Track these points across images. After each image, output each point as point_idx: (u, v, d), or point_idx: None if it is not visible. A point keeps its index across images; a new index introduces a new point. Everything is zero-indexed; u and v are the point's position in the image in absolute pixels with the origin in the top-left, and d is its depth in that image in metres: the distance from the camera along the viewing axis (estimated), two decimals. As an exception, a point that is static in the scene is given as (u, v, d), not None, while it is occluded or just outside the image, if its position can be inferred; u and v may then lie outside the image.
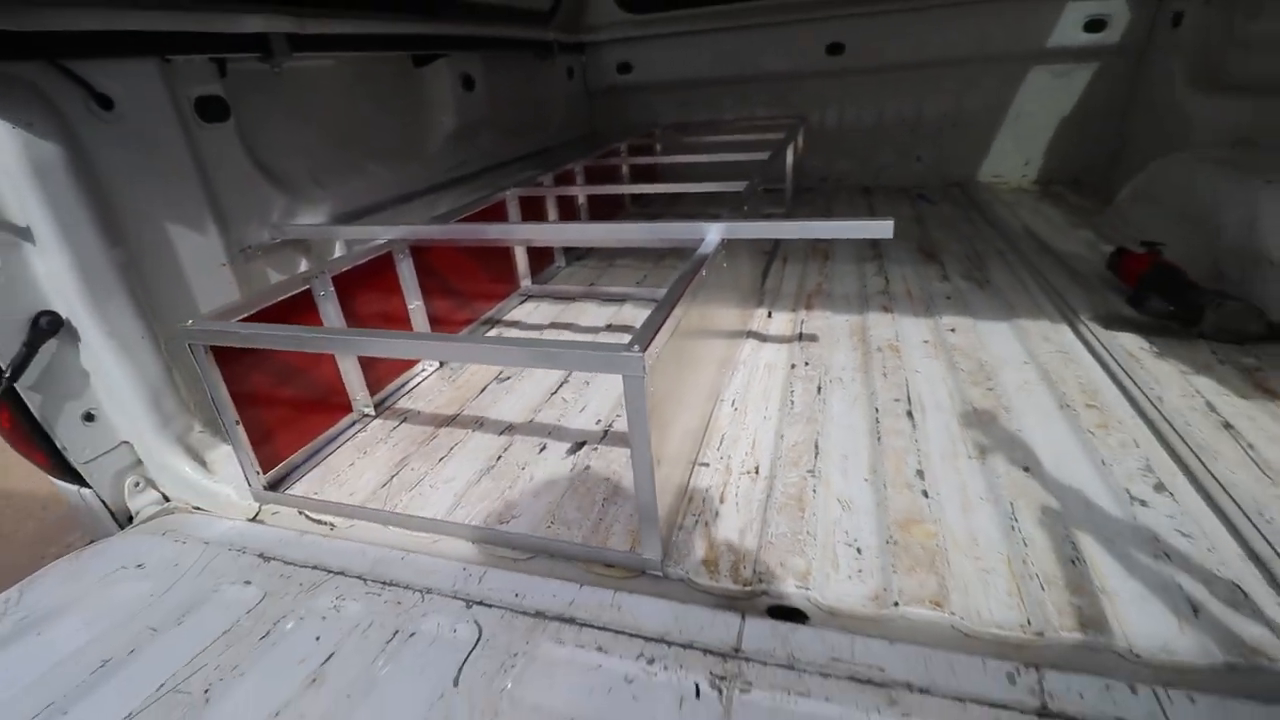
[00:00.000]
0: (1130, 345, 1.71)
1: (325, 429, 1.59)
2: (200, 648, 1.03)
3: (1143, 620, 0.95)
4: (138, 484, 1.46)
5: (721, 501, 1.26)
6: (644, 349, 0.95)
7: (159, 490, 1.48)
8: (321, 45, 1.95)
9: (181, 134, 1.54)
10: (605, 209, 3.38)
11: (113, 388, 1.39)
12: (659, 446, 1.05)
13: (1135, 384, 1.52)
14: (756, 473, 1.34)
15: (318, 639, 1.02)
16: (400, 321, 1.86)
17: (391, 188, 2.33)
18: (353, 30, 2.07)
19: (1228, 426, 1.36)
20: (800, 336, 1.95)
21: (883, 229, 1.36)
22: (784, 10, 3.64)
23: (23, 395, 1.27)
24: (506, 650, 0.97)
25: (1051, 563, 1.06)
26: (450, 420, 1.65)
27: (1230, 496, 1.15)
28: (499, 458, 1.47)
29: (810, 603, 1.03)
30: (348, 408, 1.66)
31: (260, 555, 1.23)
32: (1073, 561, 1.06)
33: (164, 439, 1.44)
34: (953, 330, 1.90)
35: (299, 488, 1.43)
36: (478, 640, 0.99)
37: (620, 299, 2.38)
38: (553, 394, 1.73)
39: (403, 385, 1.84)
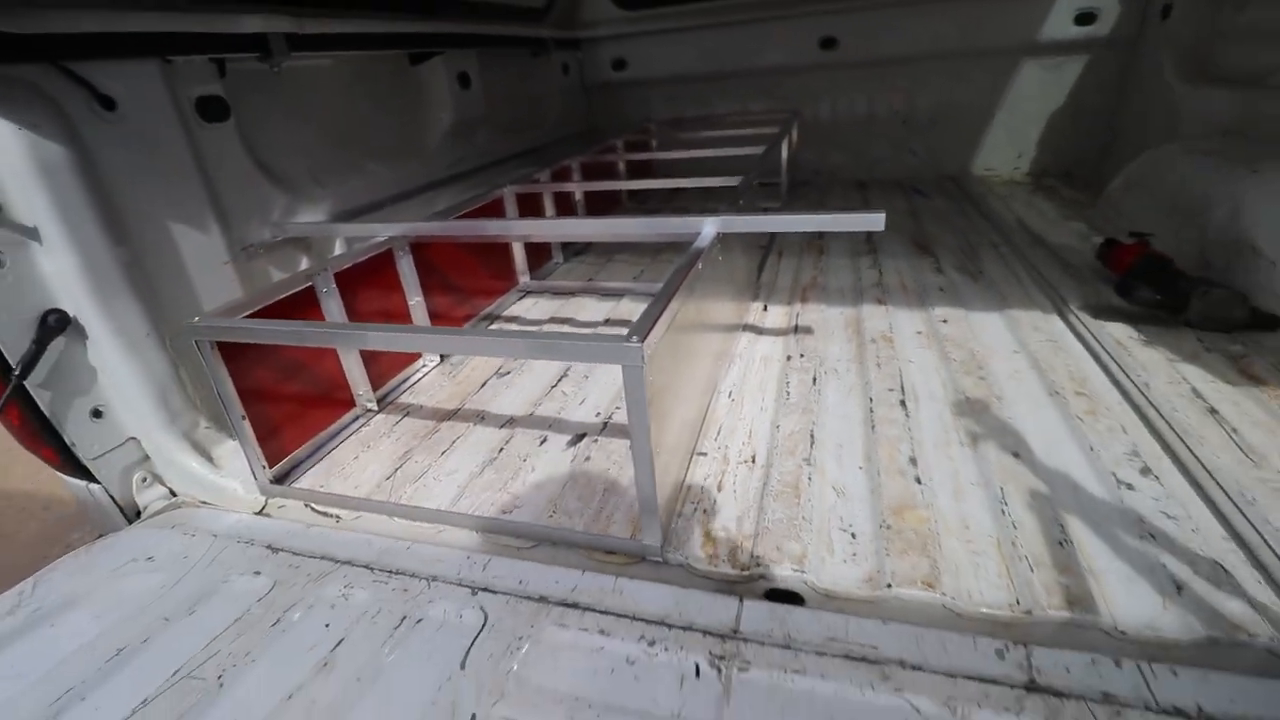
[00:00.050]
0: (1119, 334, 1.74)
1: (329, 424, 1.61)
2: (212, 635, 1.05)
3: (1128, 598, 0.98)
4: (145, 479, 1.48)
5: (719, 490, 1.29)
6: (643, 339, 0.98)
7: (166, 485, 1.51)
8: (319, 45, 1.97)
9: (183, 134, 1.56)
10: (602, 205, 3.40)
11: (120, 384, 1.41)
12: (658, 436, 1.08)
13: (1123, 371, 1.55)
14: (753, 462, 1.37)
15: (327, 626, 1.05)
16: (401, 317, 1.88)
17: (390, 186, 2.35)
18: (350, 29, 2.08)
19: (1213, 412, 1.39)
20: (796, 329, 1.98)
21: (874, 221, 1.39)
22: (777, 5, 3.66)
23: (32, 392, 1.29)
24: (512, 634, 1.00)
25: (1040, 544, 1.09)
26: (452, 414, 1.68)
27: (1214, 479, 1.18)
28: (500, 450, 1.50)
29: (806, 585, 1.06)
30: (351, 403, 1.68)
31: (268, 547, 1.25)
32: (1061, 543, 1.09)
33: (171, 435, 1.46)
34: (945, 321, 1.93)
35: (304, 481, 1.46)
36: (483, 625, 1.02)
37: (618, 294, 2.40)
38: (552, 388, 1.76)
39: (404, 381, 1.86)
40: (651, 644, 0.96)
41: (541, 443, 1.51)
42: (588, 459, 1.43)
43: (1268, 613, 0.94)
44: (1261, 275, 1.75)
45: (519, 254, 2.51)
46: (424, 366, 1.94)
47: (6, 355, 1.24)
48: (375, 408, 1.72)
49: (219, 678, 0.98)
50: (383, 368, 1.78)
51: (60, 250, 1.29)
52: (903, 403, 1.53)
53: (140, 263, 1.45)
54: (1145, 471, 1.24)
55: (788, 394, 1.62)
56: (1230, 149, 2.17)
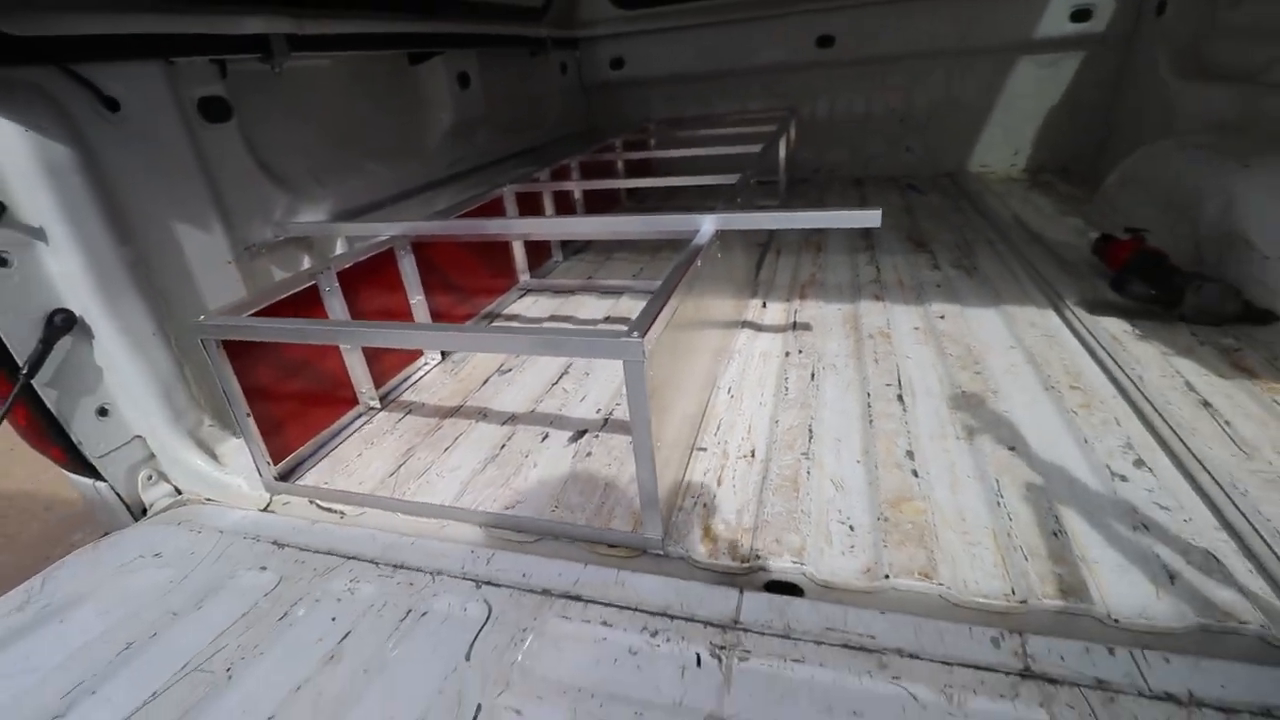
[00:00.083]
0: (1113, 328, 1.76)
1: (333, 421, 1.63)
2: (220, 630, 1.07)
3: (1121, 587, 1.00)
4: (151, 477, 1.49)
5: (719, 484, 1.31)
6: (643, 334, 0.99)
7: (171, 483, 1.52)
8: (320, 45, 1.98)
9: (186, 134, 1.57)
10: (601, 204, 3.41)
11: (125, 383, 1.42)
12: (659, 431, 1.10)
13: (1118, 365, 1.57)
14: (753, 456, 1.39)
15: (334, 619, 1.07)
16: (403, 316, 1.90)
17: (390, 185, 2.36)
18: (350, 30, 2.09)
19: (1206, 404, 1.41)
20: (794, 325, 2.00)
21: (871, 218, 1.40)
22: (774, 4, 3.67)
23: (39, 391, 1.30)
24: (516, 626, 1.01)
25: (1035, 535, 1.11)
26: (454, 412, 1.69)
27: (1207, 470, 1.20)
28: (503, 447, 1.51)
29: (805, 577, 1.08)
30: (354, 401, 1.70)
31: (274, 542, 1.27)
32: (1055, 534, 1.11)
33: (176, 433, 1.47)
34: (942, 317, 1.95)
35: (309, 478, 1.47)
36: (488, 617, 1.03)
37: (618, 291, 2.42)
38: (553, 385, 1.78)
39: (406, 378, 1.88)
40: (653, 635, 0.97)
41: (543, 439, 1.53)
42: (589, 455, 1.45)
43: (1258, 601, 0.96)
44: (1254, 269, 1.76)
45: (519, 253, 2.53)
46: (425, 364, 1.95)
47: (14, 354, 1.26)
48: (378, 405, 1.74)
49: (227, 670, 0.99)
50: (385, 366, 1.80)
51: (66, 250, 1.30)
52: (900, 397, 1.55)
53: (145, 262, 1.47)
54: (1139, 463, 1.26)
55: (786, 389, 1.63)
56: (1224, 144, 2.19)
